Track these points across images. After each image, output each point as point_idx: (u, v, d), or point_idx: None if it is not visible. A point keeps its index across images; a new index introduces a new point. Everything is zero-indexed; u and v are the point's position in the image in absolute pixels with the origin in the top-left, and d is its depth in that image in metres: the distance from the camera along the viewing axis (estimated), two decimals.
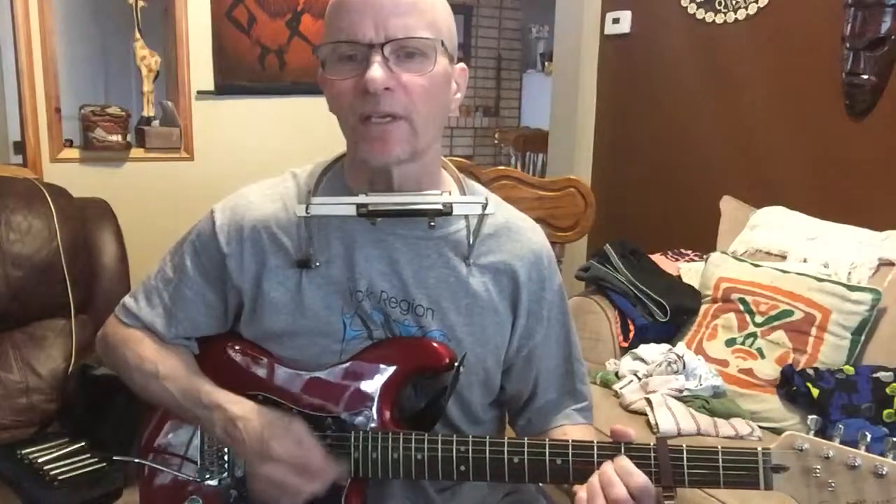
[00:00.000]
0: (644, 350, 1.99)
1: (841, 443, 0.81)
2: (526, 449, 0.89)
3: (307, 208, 0.93)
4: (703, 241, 2.39)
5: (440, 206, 0.92)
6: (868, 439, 0.80)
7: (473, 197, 1.01)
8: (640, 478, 0.83)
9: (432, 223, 0.94)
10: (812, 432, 0.82)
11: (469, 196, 1.02)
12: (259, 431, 0.92)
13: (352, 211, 0.92)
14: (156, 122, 2.78)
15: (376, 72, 0.87)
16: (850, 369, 1.73)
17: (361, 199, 0.92)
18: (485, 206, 0.95)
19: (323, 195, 0.99)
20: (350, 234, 0.98)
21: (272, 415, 0.94)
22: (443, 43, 0.92)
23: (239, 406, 0.95)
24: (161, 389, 1.01)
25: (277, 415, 0.94)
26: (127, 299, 1.08)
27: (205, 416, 0.97)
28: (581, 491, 0.86)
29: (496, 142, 6.19)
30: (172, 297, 1.03)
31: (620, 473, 0.84)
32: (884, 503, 0.78)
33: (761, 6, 2.47)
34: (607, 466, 0.85)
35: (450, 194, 0.98)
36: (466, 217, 1.00)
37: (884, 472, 0.78)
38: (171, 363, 1.02)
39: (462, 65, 0.99)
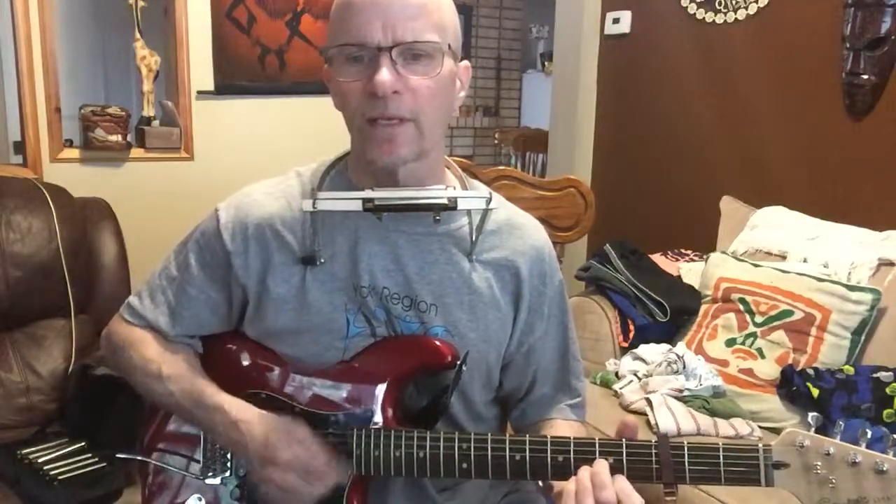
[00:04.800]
0: (644, 350, 1.99)
1: (841, 441, 0.81)
2: (528, 446, 0.89)
3: (314, 203, 0.93)
4: (703, 241, 2.39)
5: (445, 201, 0.92)
6: (869, 436, 0.80)
7: (478, 192, 1.02)
8: (637, 500, 0.83)
9: (437, 217, 0.93)
10: (813, 429, 0.83)
11: (473, 191, 1.03)
12: (263, 436, 0.92)
13: (358, 206, 0.92)
14: (156, 122, 2.78)
15: (384, 76, 0.87)
16: (850, 369, 1.73)
17: (367, 193, 0.92)
18: (489, 201, 0.95)
19: (329, 192, 0.99)
20: (354, 231, 0.98)
21: (275, 419, 0.94)
22: (449, 46, 0.92)
23: (241, 410, 0.95)
24: (164, 391, 1.01)
25: (280, 419, 0.94)
26: (132, 298, 1.08)
27: (207, 418, 0.97)
28: (570, 484, 0.85)
29: (496, 142, 6.19)
30: (177, 295, 1.04)
31: (621, 496, 0.83)
32: (884, 500, 0.78)
33: (761, 6, 2.47)
34: (602, 471, 0.85)
35: (454, 190, 0.99)
36: (469, 213, 1.01)
37: (884, 469, 0.78)
38: (174, 364, 1.02)
39: (466, 62, 0.99)
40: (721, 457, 0.84)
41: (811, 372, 1.73)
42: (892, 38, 2.11)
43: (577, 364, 1.11)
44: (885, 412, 1.65)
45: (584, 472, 0.85)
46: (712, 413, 1.77)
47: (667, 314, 2.07)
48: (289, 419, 0.94)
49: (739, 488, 0.88)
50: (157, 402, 1.05)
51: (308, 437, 0.93)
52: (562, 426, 1.06)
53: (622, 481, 0.84)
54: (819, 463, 0.81)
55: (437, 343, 0.96)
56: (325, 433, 0.95)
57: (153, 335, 1.05)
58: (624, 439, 0.87)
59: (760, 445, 0.84)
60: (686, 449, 0.85)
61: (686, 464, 0.85)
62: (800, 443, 0.82)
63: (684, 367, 1.88)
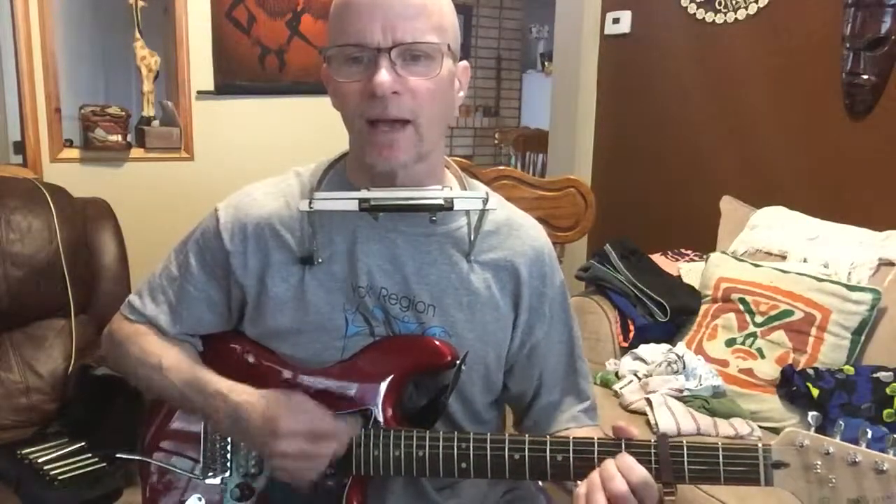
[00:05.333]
0: (644, 350, 1.99)
1: (841, 440, 0.81)
2: (527, 446, 0.89)
3: (310, 203, 0.93)
4: (703, 241, 2.39)
5: (441, 201, 0.92)
6: (869, 435, 0.80)
7: (474, 192, 1.01)
8: (640, 471, 0.83)
9: (434, 218, 0.93)
10: (813, 429, 0.82)
11: (470, 191, 1.03)
12: (263, 412, 0.92)
13: (354, 206, 0.92)
14: (156, 122, 2.78)
15: (384, 76, 0.87)
16: (850, 369, 1.73)
17: (364, 193, 0.92)
18: (486, 202, 0.95)
19: (326, 192, 0.99)
20: (353, 231, 0.98)
21: (272, 394, 0.94)
22: (449, 46, 0.92)
23: (241, 393, 0.95)
24: (165, 382, 1.01)
25: (278, 393, 0.94)
26: (132, 297, 1.09)
27: (208, 405, 0.97)
28: (581, 486, 0.86)
29: (496, 142, 6.19)
30: (177, 294, 1.04)
31: (622, 469, 0.84)
32: (884, 499, 0.78)
33: (761, 6, 2.47)
34: (608, 462, 0.85)
35: (451, 190, 0.99)
36: (468, 213, 1.01)
37: (884, 468, 0.78)
38: (174, 355, 1.02)
39: (465, 63, 0.99)
40: (720, 456, 0.84)
41: (811, 372, 1.73)
42: (892, 38, 2.11)
43: (584, 365, 1.11)
44: (885, 412, 1.65)
45: (594, 472, 0.86)
46: (712, 413, 1.77)
47: (667, 314, 2.07)
48: (287, 392, 0.94)
49: (738, 487, 0.88)
50: (157, 395, 1.05)
51: (308, 403, 0.92)
52: (578, 433, 1.05)
53: (625, 457, 0.85)
54: (819, 462, 0.81)
55: (437, 343, 0.96)
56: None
57: (153, 330, 1.05)
58: (623, 439, 0.87)
59: (760, 445, 0.84)
60: (685, 448, 0.85)
61: (685, 463, 0.85)
62: (799, 442, 0.82)
63: (684, 367, 1.88)
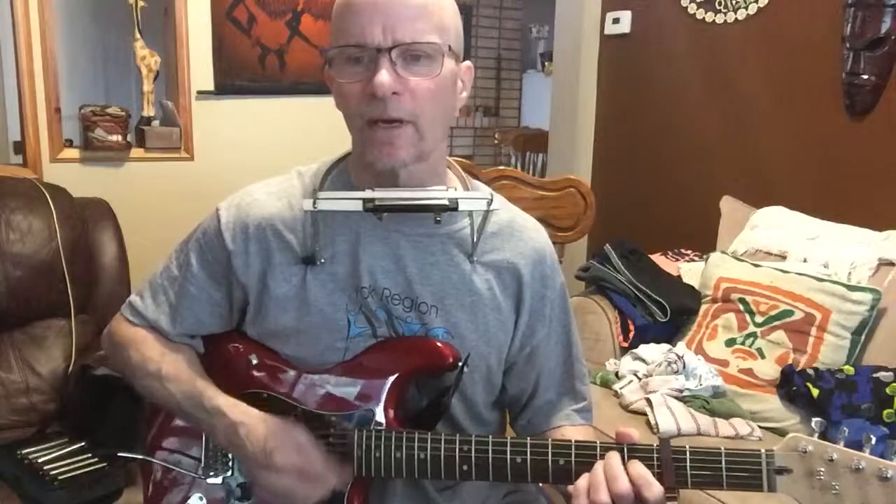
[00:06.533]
0: (644, 350, 1.99)
1: (845, 445, 0.80)
2: (529, 449, 0.89)
3: (314, 203, 0.93)
4: (703, 241, 2.39)
5: (446, 202, 0.91)
6: (873, 441, 0.79)
7: (479, 192, 1.01)
8: (656, 488, 0.83)
9: (438, 219, 0.93)
10: (816, 434, 0.82)
11: (474, 192, 1.03)
12: (262, 440, 0.92)
13: (358, 206, 0.91)
14: (156, 122, 2.77)
15: (384, 77, 0.87)
16: (850, 369, 1.73)
17: (368, 193, 0.92)
18: (490, 203, 0.95)
19: (329, 191, 0.99)
20: (355, 231, 0.98)
21: (274, 423, 0.94)
22: (450, 47, 0.92)
23: (241, 413, 0.95)
24: (163, 391, 1.01)
25: (279, 422, 0.94)
26: (133, 297, 1.08)
27: (206, 419, 0.97)
28: (582, 480, 0.85)
29: (496, 142, 6.19)
30: (178, 294, 1.04)
31: (633, 478, 0.83)
32: None
33: (761, 6, 2.47)
34: (614, 458, 0.85)
35: (455, 191, 0.98)
36: (471, 215, 1.01)
37: (888, 476, 0.77)
38: (174, 364, 1.02)
39: (468, 63, 0.99)
40: (723, 461, 0.84)
41: (811, 372, 1.73)
42: (892, 38, 2.11)
43: (582, 367, 1.11)
44: (885, 412, 1.65)
45: (598, 466, 0.85)
46: (712, 413, 1.77)
47: (667, 314, 2.07)
48: (289, 423, 0.94)
49: (742, 492, 0.87)
50: (157, 402, 1.05)
51: (306, 443, 0.92)
52: (570, 431, 1.06)
53: (639, 467, 0.84)
54: (822, 469, 0.80)
55: (439, 344, 0.96)
56: (326, 435, 0.94)
57: (154, 335, 1.05)
58: (625, 444, 0.87)
59: (763, 451, 0.83)
60: (688, 453, 0.85)
61: (688, 468, 0.84)
62: (802, 448, 0.81)
63: (684, 367, 1.88)
